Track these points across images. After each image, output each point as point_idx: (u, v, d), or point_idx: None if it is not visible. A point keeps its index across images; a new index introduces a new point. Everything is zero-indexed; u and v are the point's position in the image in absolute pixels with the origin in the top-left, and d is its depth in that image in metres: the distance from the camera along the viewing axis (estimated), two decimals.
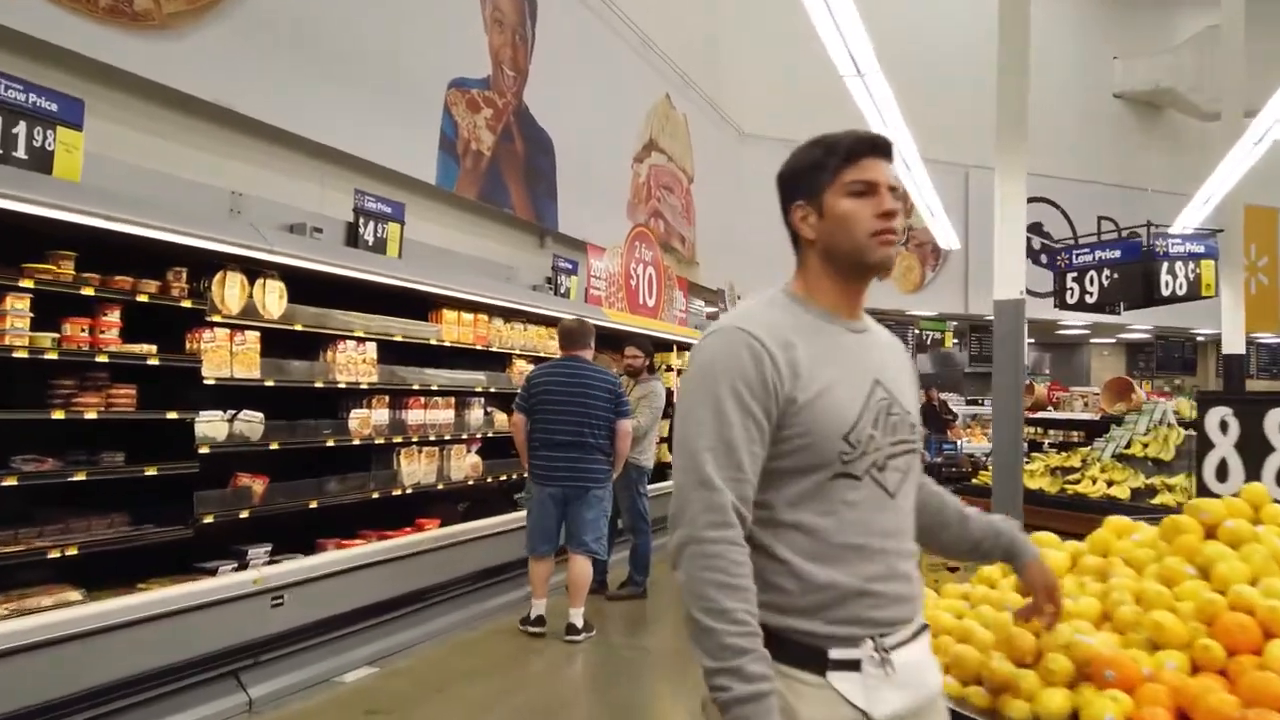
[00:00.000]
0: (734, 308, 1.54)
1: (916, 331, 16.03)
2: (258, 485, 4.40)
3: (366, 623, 4.75)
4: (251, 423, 4.33)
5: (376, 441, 5.16)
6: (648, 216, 10.66)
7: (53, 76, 3.95)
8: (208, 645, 3.82)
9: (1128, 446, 6.87)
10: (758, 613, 1.34)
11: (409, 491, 5.38)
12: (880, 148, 1.51)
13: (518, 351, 6.65)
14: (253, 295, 4.32)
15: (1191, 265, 6.81)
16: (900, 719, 1.40)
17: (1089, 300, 7.16)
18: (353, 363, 4.99)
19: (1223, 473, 2.78)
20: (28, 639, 3.13)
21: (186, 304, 3.99)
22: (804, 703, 1.36)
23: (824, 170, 1.50)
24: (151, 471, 3.79)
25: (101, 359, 3.64)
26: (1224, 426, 2.78)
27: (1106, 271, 7.04)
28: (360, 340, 5.07)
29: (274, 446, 4.42)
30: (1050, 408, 10.23)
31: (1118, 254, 7.04)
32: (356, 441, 5.00)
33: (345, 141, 5.77)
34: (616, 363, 7.57)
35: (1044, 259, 14.05)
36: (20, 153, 3.45)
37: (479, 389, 6.20)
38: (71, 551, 3.49)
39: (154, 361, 3.83)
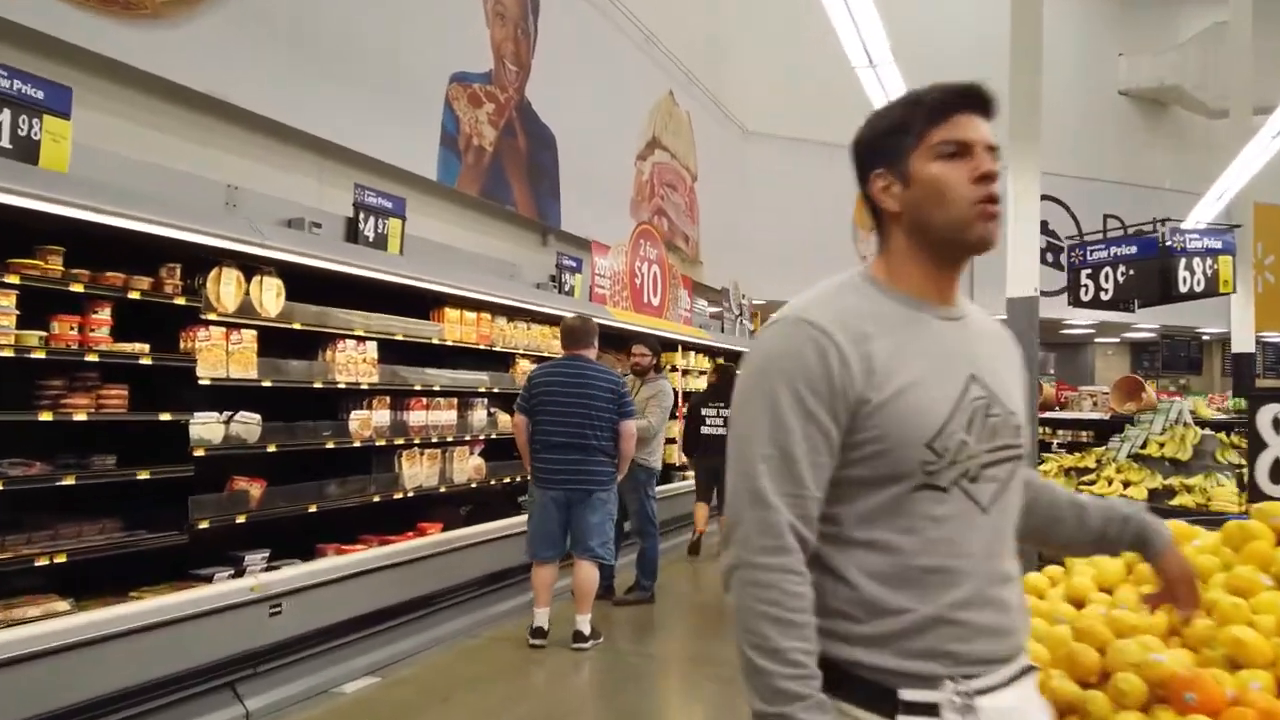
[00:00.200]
0: (801, 294, 1.34)
1: None
2: (255, 489, 4.26)
3: (367, 630, 4.61)
4: (248, 424, 4.20)
5: (377, 443, 5.03)
6: (651, 215, 10.52)
7: (40, 66, 3.79)
8: (203, 656, 3.67)
9: (1143, 446, 6.73)
10: (816, 650, 1.18)
11: (410, 495, 5.25)
12: (975, 100, 1.29)
13: (521, 351, 6.51)
14: (249, 293, 4.19)
15: (1210, 261, 6.67)
16: None
17: (1104, 297, 7.00)
18: (353, 362, 4.85)
19: (1277, 473, 2.65)
20: (12, 651, 2.98)
21: (180, 301, 3.86)
22: None
23: (907, 131, 1.29)
24: (144, 475, 3.66)
25: (92, 358, 3.51)
26: (1277, 425, 2.64)
27: (1122, 268, 6.88)
28: (360, 339, 4.93)
29: (272, 449, 4.29)
30: (1058, 407, 10.11)
31: (1133, 250, 6.88)
32: (357, 443, 4.87)
33: (344, 136, 5.64)
34: (621, 362, 7.43)
35: (1049, 257, 13.93)
36: (4, 142, 3.30)
37: (482, 389, 6.06)
38: (60, 559, 3.35)
39: (146, 361, 3.69)
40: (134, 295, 3.67)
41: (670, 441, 8.31)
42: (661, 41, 10.72)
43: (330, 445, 4.68)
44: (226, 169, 4.79)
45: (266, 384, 4.27)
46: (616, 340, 7.87)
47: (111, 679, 3.31)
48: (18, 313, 3.24)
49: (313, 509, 4.53)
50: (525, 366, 6.47)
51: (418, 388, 5.39)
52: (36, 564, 3.26)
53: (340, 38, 5.72)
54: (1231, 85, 11.64)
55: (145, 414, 3.72)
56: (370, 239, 5.21)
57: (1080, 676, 1.65)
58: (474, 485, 5.87)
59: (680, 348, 9.42)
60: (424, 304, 5.61)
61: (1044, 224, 14.99)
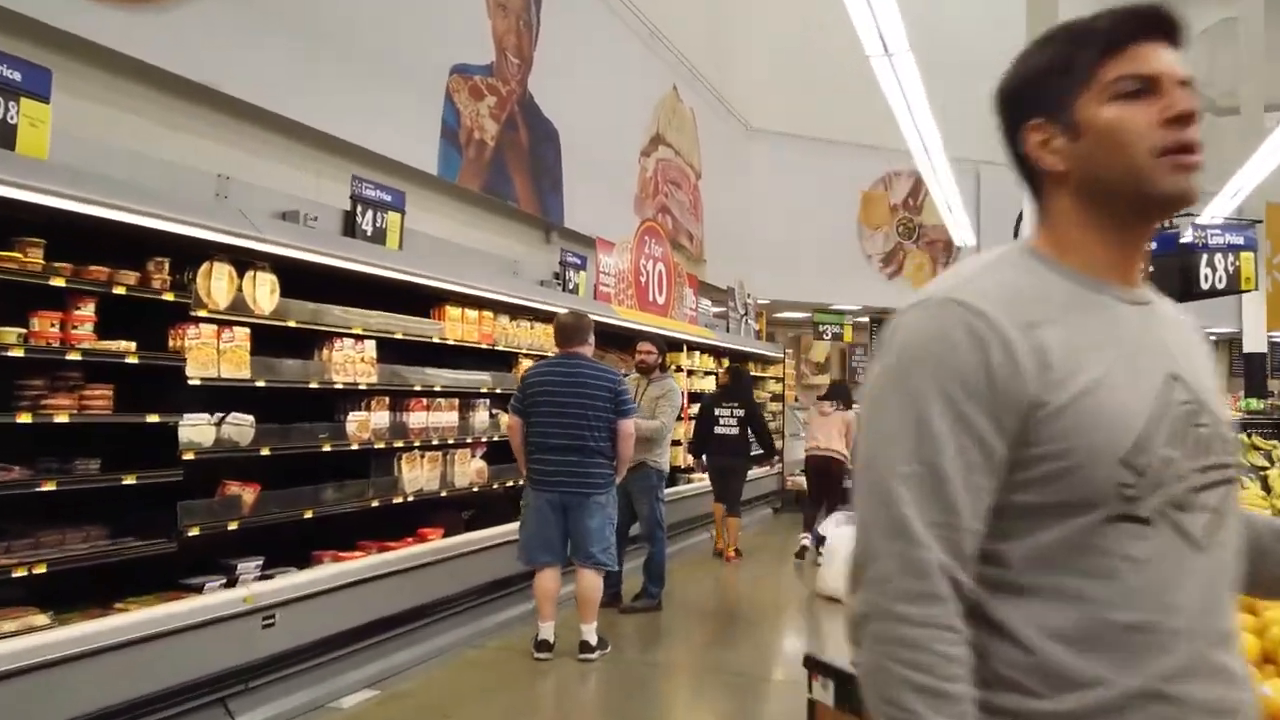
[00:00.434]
0: (945, 272, 1.05)
1: None
2: (248, 494, 4.07)
3: (365, 642, 4.42)
4: (241, 426, 4.01)
5: (376, 446, 4.84)
6: (655, 212, 10.34)
7: (16, 47, 3.59)
8: (191, 671, 3.49)
9: None
10: None
11: (411, 499, 5.06)
12: (1158, 23, 1.04)
13: (524, 350, 6.33)
14: (242, 288, 4.00)
15: (1231, 257, 6.50)
16: None
17: None
18: (350, 362, 4.67)
19: None
20: None
21: (169, 297, 3.68)
22: None
23: (1072, 69, 1.04)
24: (130, 480, 3.48)
25: (74, 357, 3.33)
26: None
27: (1141, 264, 6.70)
28: (358, 338, 4.75)
29: (265, 452, 4.11)
30: None
31: (1153, 245, 6.70)
32: (354, 446, 4.68)
33: (341, 127, 5.45)
34: (625, 362, 7.25)
35: None
36: None
37: (484, 390, 5.88)
38: (40, 569, 3.16)
39: (133, 360, 3.51)
40: (119, 290, 3.48)
41: (675, 444, 8.13)
42: (665, 36, 10.54)
43: (327, 448, 4.49)
44: (217, 158, 4.60)
45: (260, 384, 4.08)
46: (622, 340, 7.69)
47: (93, 697, 3.12)
48: None
49: (309, 514, 4.35)
50: (528, 366, 6.28)
51: (418, 388, 5.20)
52: (15, 575, 3.07)
53: (338, 26, 5.53)
54: (1243, 82, 11.48)
55: (132, 415, 3.54)
56: (368, 233, 5.02)
57: None
58: (476, 489, 5.68)
59: (685, 347, 9.24)
60: (424, 302, 5.42)
61: None
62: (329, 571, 4.27)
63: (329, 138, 5.39)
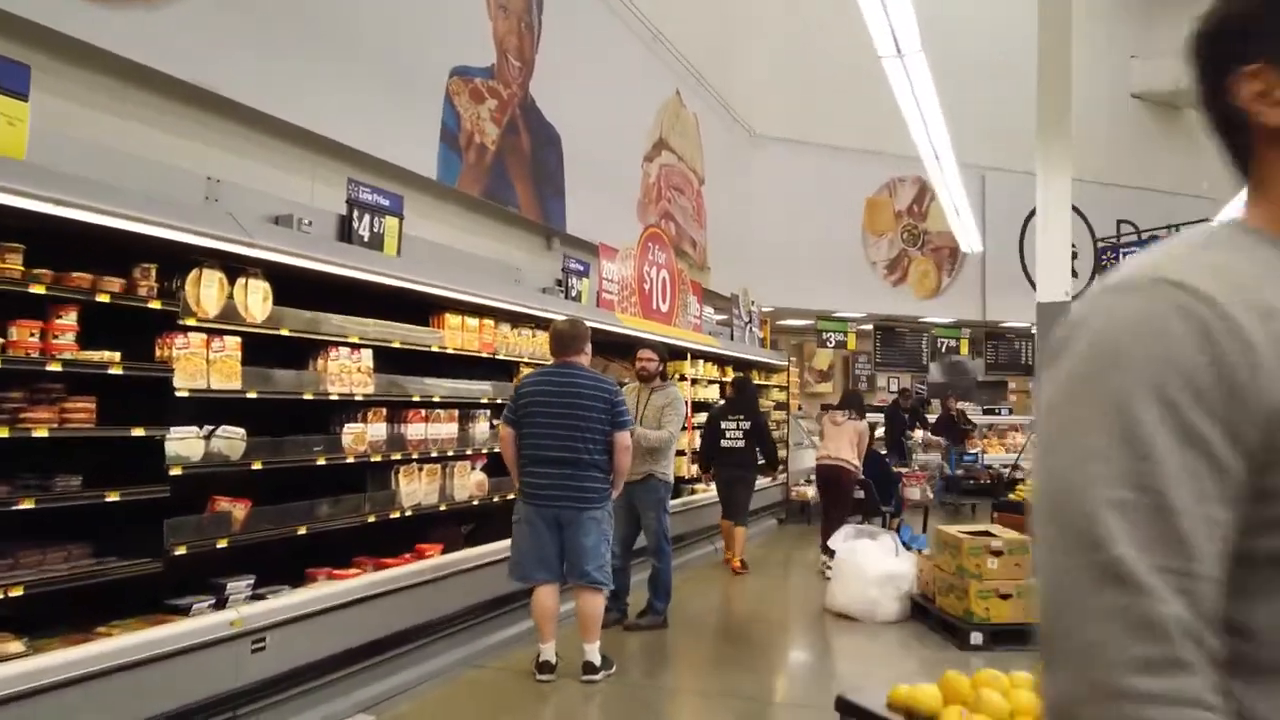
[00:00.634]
0: (1133, 257, 0.77)
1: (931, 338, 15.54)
2: (238, 510, 3.90)
3: (361, 664, 4.24)
4: (231, 440, 3.84)
5: (373, 459, 4.67)
6: (658, 218, 10.18)
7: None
8: (177, 699, 3.32)
9: None
10: None
11: (409, 514, 4.89)
12: None
13: (525, 360, 6.16)
14: (233, 295, 3.83)
15: None
16: None
17: None
18: (346, 372, 4.49)
19: None
20: None
21: (155, 305, 3.51)
22: None
23: None
24: (114, 497, 3.31)
25: (54, 368, 3.16)
26: None
27: None
28: (354, 347, 4.58)
29: (257, 466, 3.94)
30: None
31: None
32: (350, 459, 4.51)
33: (337, 130, 5.29)
34: (628, 372, 7.09)
35: None
36: None
37: (484, 400, 5.71)
38: (16, 592, 2.99)
39: (117, 371, 3.34)
40: (103, 298, 3.32)
41: (679, 454, 7.95)
42: (669, 40, 10.40)
43: (321, 461, 4.32)
44: (206, 160, 4.44)
45: (251, 395, 3.91)
46: (626, 349, 7.52)
47: None
48: None
49: (302, 531, 4.18)
50: (523, 375, 6.12)
51: (416, 399, 5.04)
52: None
53: (334, 24, 5.38)
54: None
55: (116, 429, 3.37)
56: (365, 239, 4.86)
57: None
58: (476, 503, 5.50)
59: (690, 356, 9.07)
60: (423, 309, 5.26)
61: None
62: (323, 591, 4.10)
63: (324, 139, 5.23)
